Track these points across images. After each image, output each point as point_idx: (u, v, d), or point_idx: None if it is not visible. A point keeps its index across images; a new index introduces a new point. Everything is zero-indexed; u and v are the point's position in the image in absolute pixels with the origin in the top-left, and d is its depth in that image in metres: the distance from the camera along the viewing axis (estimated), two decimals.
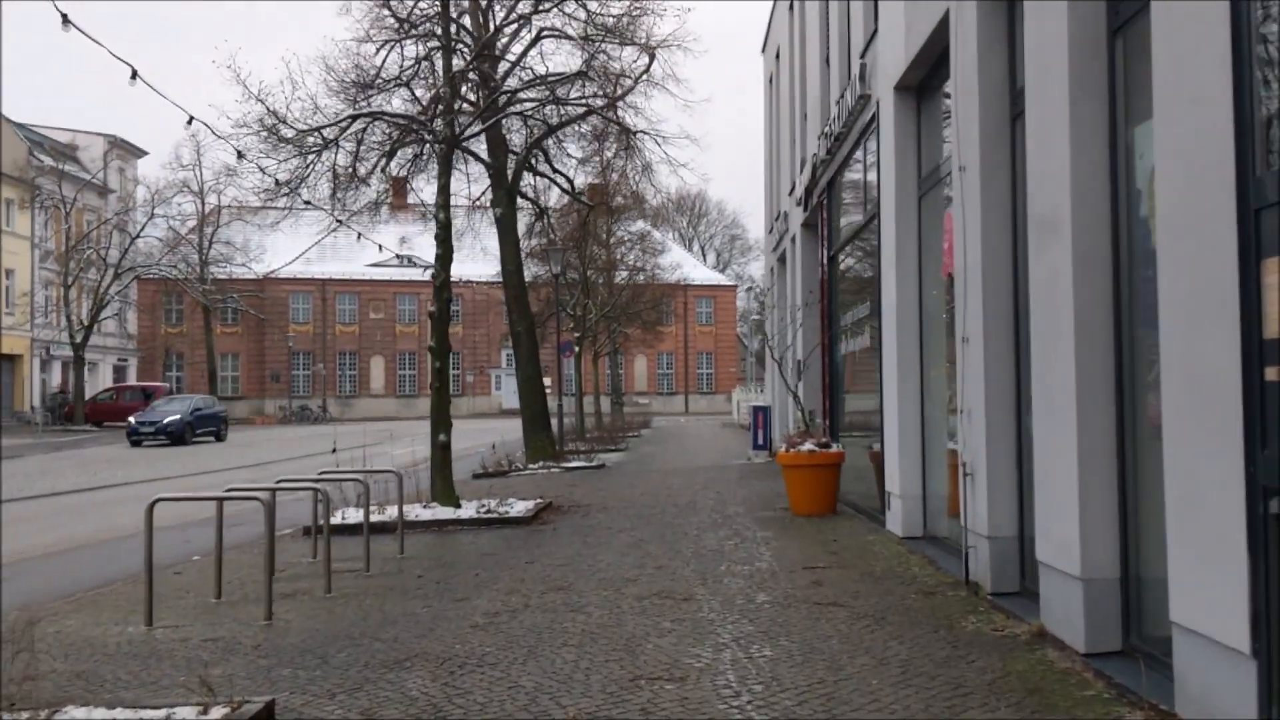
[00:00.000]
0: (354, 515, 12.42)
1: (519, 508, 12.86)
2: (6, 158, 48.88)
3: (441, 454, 12.98)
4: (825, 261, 14.68)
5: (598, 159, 29.89)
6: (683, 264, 57.39)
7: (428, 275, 12.85)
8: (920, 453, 9.90)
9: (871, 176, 11.51)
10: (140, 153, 60.79)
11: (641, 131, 23.52)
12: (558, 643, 6.05)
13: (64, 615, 7.52)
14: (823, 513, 11.91)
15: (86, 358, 54.63)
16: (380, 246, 20.40)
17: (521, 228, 27.13)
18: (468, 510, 12.62)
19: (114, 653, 6.27)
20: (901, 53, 9.61)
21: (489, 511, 12.48)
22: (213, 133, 9.26)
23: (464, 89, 17.01)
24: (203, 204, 58.29)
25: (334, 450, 13.54)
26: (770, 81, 23.46)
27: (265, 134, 12.70)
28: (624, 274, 39.49)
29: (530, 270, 32.97)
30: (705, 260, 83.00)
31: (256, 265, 63.02)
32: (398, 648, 6.09)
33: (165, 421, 34.96)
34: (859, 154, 12.26)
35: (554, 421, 23.78)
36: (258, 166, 12.66)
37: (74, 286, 50.56)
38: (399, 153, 17.66)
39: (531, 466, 20.81)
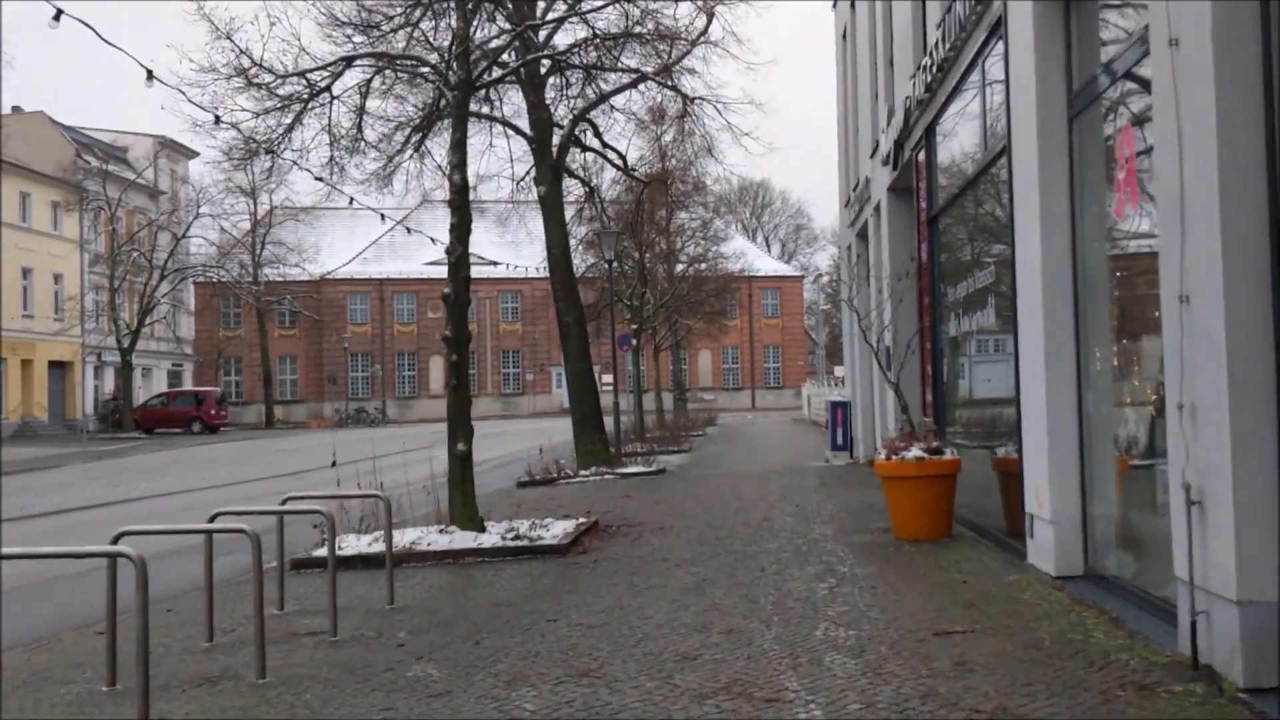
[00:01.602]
0: (355, 543, 10.22)
1: (555, 530, 10.53)
2: (52, 159, 47.97)
3: (461, 466, 10.68)
4: (923, 225, 12.12)
5: (654, 138, 27.59)
6: (746, 253, 54.76)
7: (482, 266, 10.47)
8: (1078, 462, 7.35)
9: (994, 104, 8.98)
10: (191, 153, 59.61)
11: (700, 98, 21.11)
12: None
13: None
14: (935, 537, 9.40)
15: (141, 363, 53.69)
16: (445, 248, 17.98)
17: (570, 212, 24.86)
18: (492, 535, 10.32)
19: None
20: None
21: (517, 537, 10.16)
22: (100, 37, 7.07)
23: (483, 25, 14.61)
24: (255, 204, 57.12)
25: (333, 464, 11.35)
26: (844, 37, 20.85)
27: (235, 77, 10.54)
28: (684, 264, 37.04)
29: (583, 259, 30.73)
30: (770, 251, 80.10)
31: (311, 266, 61.82)
32: None
33: None
34: (973, 79, 9.70)
35: (610, 421, 21.41)
36: (202, 109, 10.37)
37: (121, 290, 49.51)
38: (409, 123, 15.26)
39: (583, 473, 18.51)
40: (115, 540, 5.47)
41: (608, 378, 33.62)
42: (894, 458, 9.40)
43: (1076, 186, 7.35)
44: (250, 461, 28.46)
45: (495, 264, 48.42)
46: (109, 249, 50.08)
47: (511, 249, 53.20)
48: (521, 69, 19.11)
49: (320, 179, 13.26)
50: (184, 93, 9.22)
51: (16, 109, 49.52)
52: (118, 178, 51.36)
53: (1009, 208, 8.29)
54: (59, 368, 49.19)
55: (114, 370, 51.13)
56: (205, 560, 6.55)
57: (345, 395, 65.86)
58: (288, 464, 26.00)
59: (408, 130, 18.02)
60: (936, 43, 10.53)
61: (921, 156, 12.20)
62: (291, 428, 57.30)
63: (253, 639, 6.60)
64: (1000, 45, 8.46)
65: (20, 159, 44.86)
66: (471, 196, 25.18)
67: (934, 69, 10.62)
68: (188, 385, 58.72)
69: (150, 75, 7.68)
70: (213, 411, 50.22)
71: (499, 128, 20.74)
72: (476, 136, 20.30)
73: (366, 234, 65.56)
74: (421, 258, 64.49)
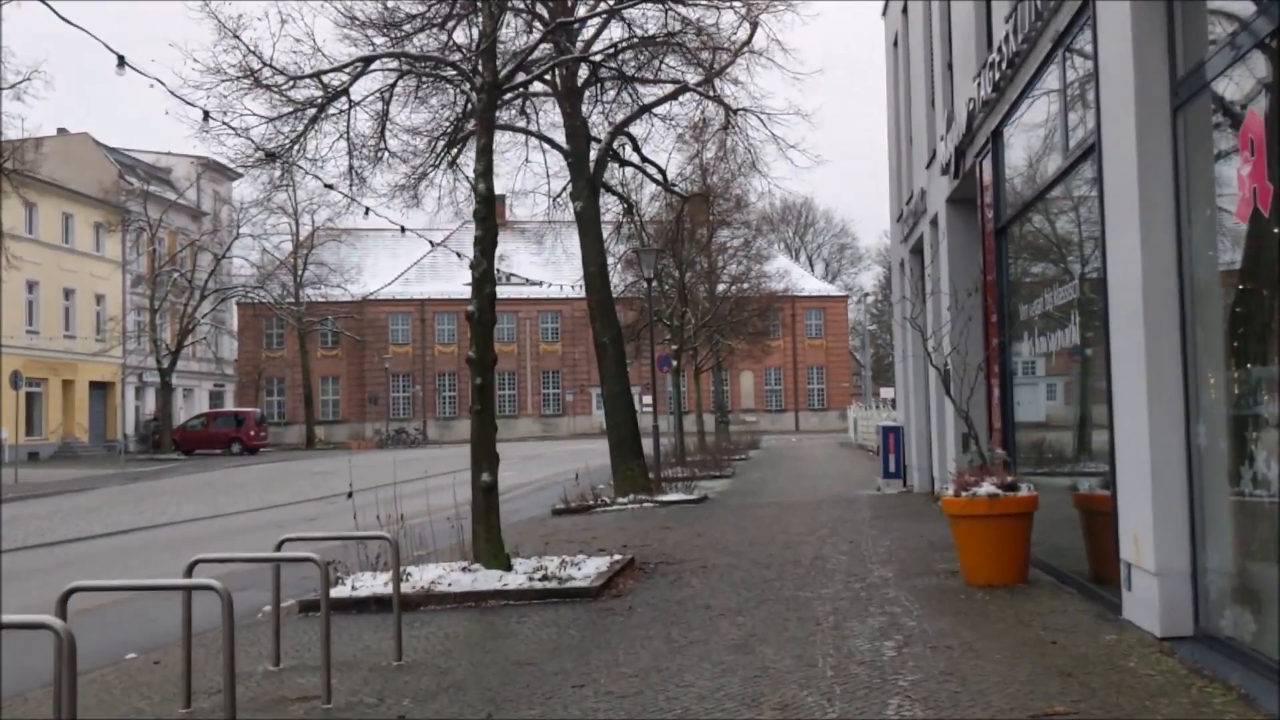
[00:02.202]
0: (370, 582, 9.40)
1: (587, 569, 9.65)
2: (95, 180, 48.16)
3: (485, 498, 9.82)
4: (989, 237, 11.14)
5: (694, 154, 26.78)
6: (789, 272, 53.76)
7: (510, 287, 9.54)
8: (1187, 505, 6.35)
9: (1077, 98, 8.03)
10: (234, 175, 59.88)
11: (744, 109, 20.25)
12: None
13: None
14: (1009, 582, 8.39)
15: (182, 384, 53.68)
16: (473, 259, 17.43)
17: (608, 230, 24.08)
18: (519, 574, 9.46)
19: None
20: None
21: (545, 577, 9.29)
22: (60, 16, 6.35)
23: (521, 34, 13.89)
24: (296, 224, 57.17)
25: (350, 495, 10.57)
26: (895, 44, 19.92)
27: (243, 79, 9.82)
28: (725, 283, 36.14)
29: (622, 278, 29.95)
30: (813, 271, 78.95)
31: (353, 286, 61.74)
32: None
33: None
34: (1050, 72, 8.75)
35: (649, 444, 20.51)
36: (189, 104, 9.63)
37: (163, 311, 49.54)
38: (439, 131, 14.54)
39: (620, 500, 17.63)
40: (65, 598, 4.67)
41: (648, 399, 32.58)
42: (964, 494, 8.43)
43: (1182, 187, 6.39)
44: (283, 484, 27.90)
45: (529, 282, 47.75)
46: (150, 269, 50.19)
47: (551, 269, 52.63)
48: (557, 80, 18.40)
49: (330, 186, 12.54)
50: (162, 81, 8.52)
51: (62, 131, 49.83)
52: (160, 199, 51.53)
53: (1098, 214, 7.33)
54: (100, 388, 49.24)
55: (155, 391, 51.14)
56: (184, 617, 5.74)
57: (386, 416, 65.61)
58: (320, 487, 25.37)
59: (436, 142, 17.36)
60: (1006, 36, 9.59)
61: (986, 163, 11.23)
62: (332, 448, 56.99)
63: (240, 700, 5.81)
64: (1086, 30, 7.53)
65: (63, 180, 45.04)
66: (509, 215, 24.31)
67: (1003, 64, 9.68)
68: (229, 406, 58.66)
69: (122, 61, 7.00)
70: (252, 432, 49.98)
71: (535, 143, 20.08)
72: (511, 151, 19.72)
73: (408, 255, 65.43)
74: (462, 278, 64.00)
